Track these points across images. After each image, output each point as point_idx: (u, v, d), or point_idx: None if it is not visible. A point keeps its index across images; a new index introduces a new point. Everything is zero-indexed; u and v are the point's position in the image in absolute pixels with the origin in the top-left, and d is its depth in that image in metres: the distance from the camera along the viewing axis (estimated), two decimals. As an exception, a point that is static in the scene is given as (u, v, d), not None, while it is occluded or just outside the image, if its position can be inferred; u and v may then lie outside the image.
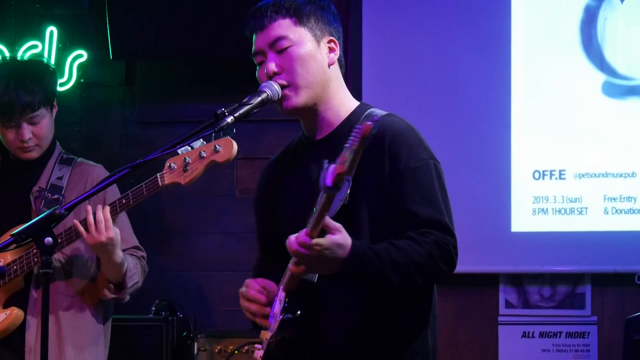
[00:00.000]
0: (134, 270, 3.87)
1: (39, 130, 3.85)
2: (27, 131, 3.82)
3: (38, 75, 3.90)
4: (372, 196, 2.64)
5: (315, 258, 2.45)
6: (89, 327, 3.88)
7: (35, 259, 3.72)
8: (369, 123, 2.29)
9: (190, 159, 3.41)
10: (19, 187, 3.90)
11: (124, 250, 3.87)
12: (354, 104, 2.80)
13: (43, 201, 3.81)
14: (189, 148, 3.33)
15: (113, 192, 3.84)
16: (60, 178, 3.88)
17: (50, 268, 2.55)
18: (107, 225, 3.62)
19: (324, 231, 2.46)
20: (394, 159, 2.63)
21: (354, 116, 2.73)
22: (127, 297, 3.91)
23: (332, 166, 2.33)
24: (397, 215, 2.61)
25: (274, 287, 2.71)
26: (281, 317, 2.61)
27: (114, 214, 3.65)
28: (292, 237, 2.46)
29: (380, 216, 2.63)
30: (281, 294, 2.64)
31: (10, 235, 2.53)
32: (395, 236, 2.57)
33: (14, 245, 2.52)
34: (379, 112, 2.74)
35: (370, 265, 2.49)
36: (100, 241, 3.61)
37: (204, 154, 3.38)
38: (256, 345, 2.75)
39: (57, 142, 4.00)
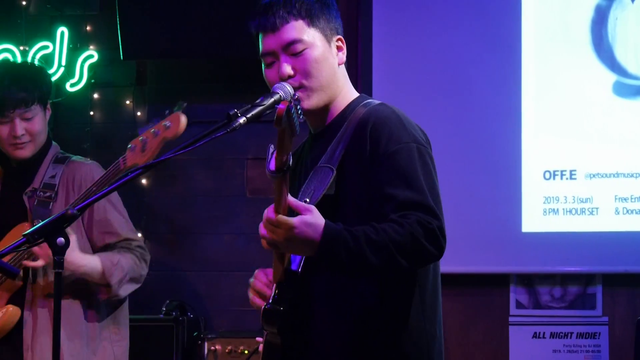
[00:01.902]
0: (115, 266, 3.82)
1: (32, 126, 3.87)
2: (20, 127, 3.84)
3: (32, 74, 3.97)
4: (355, 184, 2.59)
5: (284, 237, 2.39)
6: (85, 322, 3.88)
7: (26, 255, 3.73)
8: (285, 101, 2.30)
9: (147, 138, 3.48)
10: (16, 189, 3.93)
11: (113, 245, 3.88)
12: (354, 95, 2.78)
13: (36, 200, 3.84)
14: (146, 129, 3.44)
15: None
16: (53, 177, 3.91)
17: (62, 268, 2.55)
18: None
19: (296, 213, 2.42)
20: (375, 144, 2.58)
21: (349, 107, 2.72)
22: (122, 293, 3.88)
23: (275, 151, 2.33)
24: (377, 200, 2.54)
25: None
26: (263, 307, 2.58)
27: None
28: (261, 224, 2.44)
29: (364, 204, 2.58)
30: (273, 287, 2.62)
31: (23, 235, 2.53)
32: (377, 222, 2.49)
33: (27, 245, 2.53)
34: (374, 102, 2.72)
35: (345, 246, 2.42)
36: (49, 255, 3.60)
37: (157, 132, 3.45)
38: (257, 339, 2.74)
39: (54, 143, 4.03)
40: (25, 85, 3.86)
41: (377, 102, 2.73)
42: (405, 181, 2.52)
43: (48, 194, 3.86)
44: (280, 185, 2.38)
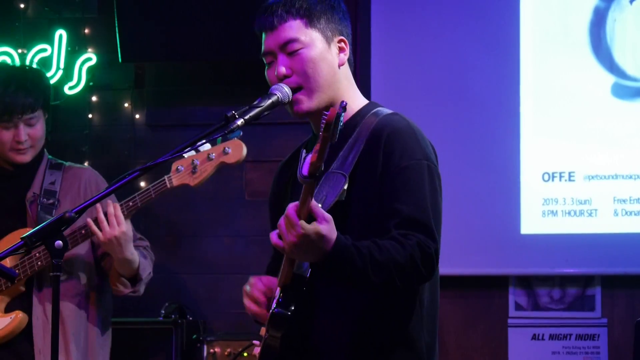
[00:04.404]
0: (145, 262, 3.90)
1: (34, 132, 3.89)
2: (23, 133, 3.85)
3: (37, 79, 4.01)
4: (364, 194, 2.62)
5: (298, 240, 2.42)
6: (92, 328, 3.90)
7: (39, 262, 3.74)
8: (334, 108, 2.30)
9: (198, 161, 3.50)
10: (12, 193, 3.93)
11: None
12: (362, 102, 2.79)
13: (39, 206, 3.85)
14: (194, 152, 3.42)
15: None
16: (52, 183, 3.92)
17: (61, 271, 2.55)
18: (118, 220, 3.67)
19: (313, 219, 2.44)
20: (387, 157, 2.61)
21: (359, 114, 2.72)
22: (142, 290, 3.93)
23: (309, 155, 2.33)
24: (383, 211, 2.58)
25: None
26: (271, 311, 2.59)
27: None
28: (282, 218, 2.45)
29: (370, 214, 2.61)
30: (277, 290, 2.63)
31: (21, 238, 2.53)
32: (381, 234, 2.54)
33: (25, 248, 2.53)
34: (386, 110, 2.73)
35: (351, 262, 2.47)
36: (114, 236, 3.65)
37: (212, 156, 3.46)
38: (254, 342, 2.75)
39: (45, 149, 4.04)
40: (32, 90, 3.88)
41: (388, 110, 2.74)
42: (412, 199, 2.57)
43: (51, 200, 3.87)
44: (309, 189, 2.40)
